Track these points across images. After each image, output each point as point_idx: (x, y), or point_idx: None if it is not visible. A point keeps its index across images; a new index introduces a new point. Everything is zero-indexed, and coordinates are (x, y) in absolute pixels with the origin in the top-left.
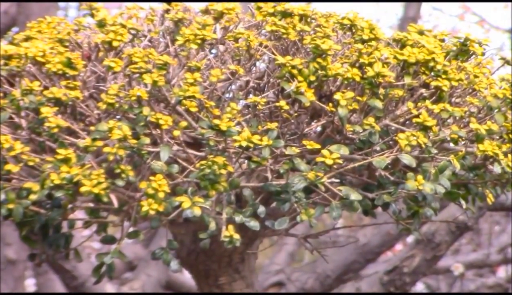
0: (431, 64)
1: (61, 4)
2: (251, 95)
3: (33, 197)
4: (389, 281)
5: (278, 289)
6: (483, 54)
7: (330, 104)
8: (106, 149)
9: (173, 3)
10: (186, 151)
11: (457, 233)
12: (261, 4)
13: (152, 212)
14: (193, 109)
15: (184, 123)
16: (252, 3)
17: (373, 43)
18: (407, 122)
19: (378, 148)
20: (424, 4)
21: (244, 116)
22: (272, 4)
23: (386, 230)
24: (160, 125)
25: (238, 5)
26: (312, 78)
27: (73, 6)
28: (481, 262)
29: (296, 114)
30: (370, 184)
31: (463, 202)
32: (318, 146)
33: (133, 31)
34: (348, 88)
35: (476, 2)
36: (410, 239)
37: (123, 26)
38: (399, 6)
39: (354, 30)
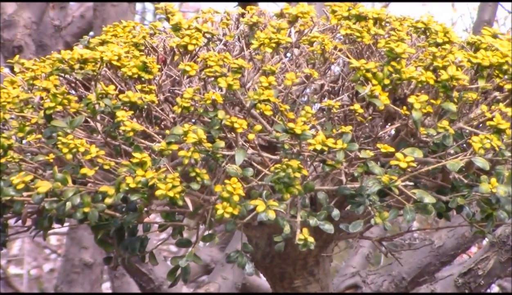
0: (505, 67)
1: (138, 8)
2: (325, 99)
3: (108, 200)
4: (464, 283)
5: (354, 291)
6: None
7: (404, 107)
8: (181, 153)
9: (248, 7)
10: (260, 154)
11: None
12: (335, 7)
13: (227, 215)
14: (268, 113)
15: (258, 127)
16: (327, 7)
17: (447, 46)
18: (481, 125)
19: (452, 151)
20: (499, 7)
21: (318, 119)
22: (346, 8)
23: (461, 233)
24: (235, 128)
25: (313, 9)
26: (386, 81)
27: (150, 10)
28: None
29: (370, 117)
30: (444, 187)
31: None
32: (392, 149)
33: (208, 35)
34: (422, 91)
35: None
36: (485, 241)
37: (198, 30)
38: (474, 9)
39: (428, 34)
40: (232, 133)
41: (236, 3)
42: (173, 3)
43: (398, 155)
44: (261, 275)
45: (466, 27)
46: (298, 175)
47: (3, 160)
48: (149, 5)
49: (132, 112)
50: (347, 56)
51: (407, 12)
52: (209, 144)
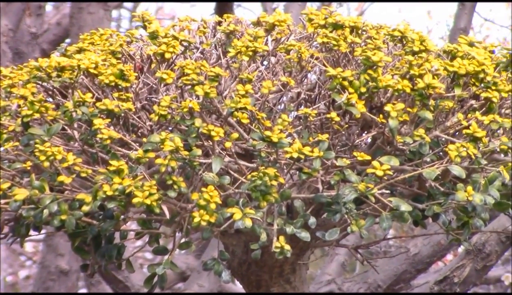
0: (481, 75)
1: (114, 15)
2: (302, 107)
3: (85, 208)
4: (440, 291)
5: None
6: None
7: (381, 115)
8: (158, 160)
9: (225, 15)
10: (237, 162)
11: (507, 243)
12: (312, 16)
13: (203, 223)
14: (245, 121)
15: (235, 135)
16: (304, 15)
17: (424, 54)
18: (457, 133)
19: (428, 159)
20: (475, 15)
21: (295, 127)
22: (323, 16)
23: (437, 240)
24: (212, 136)
25: (290, 17)
26: (363, 89)
27: (126, 17)
28: None
29: (347, 125)
30: (420, 195)
31: None
32: (368, 157)
33: (185, 43)
34: (399, 99)
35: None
36: (460, 249)
37: (175, 38)
38: (450, 17)
39: (404, 42)
40: (209, 141)
41: (212, 11)
42: (149, 12)
43: (375, 163)
44: (237, 282)
45: (442, 35)
46: (274, 182)
47: None
48: (125, 12)
49: (109, 120)
50: (324, 65)
51: (384, 20)
52: (186, 152)
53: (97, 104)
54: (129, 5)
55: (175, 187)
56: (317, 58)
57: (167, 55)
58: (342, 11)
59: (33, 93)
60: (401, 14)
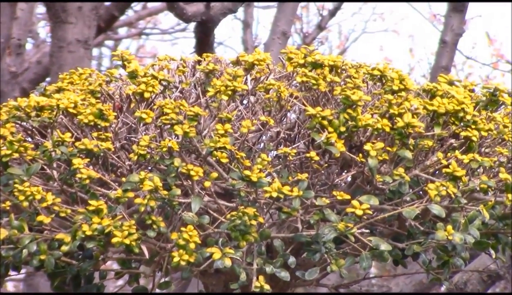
0: (461, 114)
1: (95, 53)
2: (281, 146)
3: (64, 248)
4: None
5: None
6: None
7: (360, 155)
8: (137, 200)
9: (204, 54)
10: (217, 202)
11: (489, 282)
12: (291, 55)
13: (183, 263)
14: (224, 160)
15: (215, 174)
16: (283, 55)
17: (403, 93)
18: (437, 172)
19: (408, 198)
20: (457, 53)
21: (274, 167)
22: (302, 55)
23: (419, 279)
24: (191, 176)
25: (269, 56)
26: (342, 129)
27: (106, 55)
28: None
29: (326, 165)
30: (400, 234)
31: (493, 252)
32: (348, 197)
33: (164, 82)
34: (378, 139)
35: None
36: (442, 288)
37: (155, 77)
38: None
39: (384, 81)
40: (189, 180)
41: (192, 51)
42: (129, 50)
43: (354, 202)
44: None
45: (424, 73)
46: (254, 222)
47: None
48: (106, 51)
49: (88, 159)
50: (303, 104)
51: (366, 59)
52: (165, 192)
53: (76, 144)
54: (110, 43)
55: (155, 226)
56: (296, 97)
57: (146, 95)
58: (324, 49)
59: (12, 133)
60: (383, 52)
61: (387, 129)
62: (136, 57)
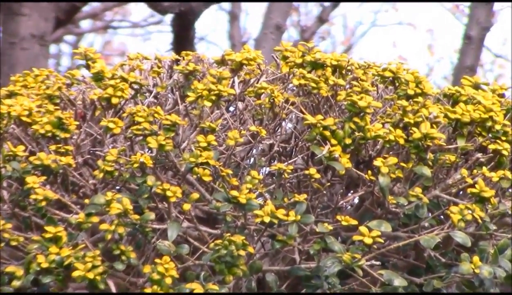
0: (489, 124)
1: (53, 50)
2: (275, 162)
3: (16, 283)
4: None
5: None
6: None
7: (369, 172)
8: (103, 226)
9: (184, 53)
10: (198, 228)
11: None
12: (287, 53)
13: None
14: (207, 179)
15: (196, 195)
16: (277, 53)
17: (420, 99)
18: (461, 193)
19: (426, 224)
20: (484, 50)
21: (267, 186)
22: (300, 53)
23: None
24: (167, 197)
25: (261, 55)
26: (348, 141)
27: (66, 53)
28: None
29: (328, 184)
30: (417, 267)
31: None
32: (355, 222)
33: (136, 86)
34: (391, 152)
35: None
36: None
37: (124, 79)
38: (455, 52)
39: (397, 84)
40: (164, 203)
41: (168, 48)
42: (94, 48)
43: (362, 228)
44: None
45: (445, 74)
46: (242, 252)
47: None
48: (65, 47)
49: (45, 177)
50: (301, 111)
51: (374, 57)
52: (137, 216)
53: (31, 158)
54: (71, 38)
55: (124, 257)
56: (293, 104)
57: (114, 100)
58: (326, 46)
59: None
60: (396, 49)
61: (401, 141)
62: (102, 55)
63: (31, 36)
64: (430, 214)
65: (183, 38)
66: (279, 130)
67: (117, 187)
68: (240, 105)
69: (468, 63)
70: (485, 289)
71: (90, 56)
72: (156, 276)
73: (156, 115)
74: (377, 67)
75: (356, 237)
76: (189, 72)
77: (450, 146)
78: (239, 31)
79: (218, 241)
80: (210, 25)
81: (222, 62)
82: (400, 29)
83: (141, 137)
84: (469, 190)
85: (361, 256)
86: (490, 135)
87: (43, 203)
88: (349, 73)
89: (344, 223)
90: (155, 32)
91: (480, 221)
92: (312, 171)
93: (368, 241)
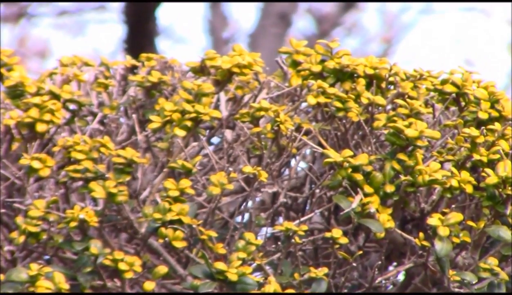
0: None
1: None
2: (281, 220)
3: None
4: None
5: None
6: None
7: (421, 234)
8: None
9: (144, 55)
10: None
11: None
12: (299, 57)
13: None
14: (179, 245)
15: (163, 269)
16: (283, 55)
17: (497, 125)
18: None
19: None
20: None
21: (269, 256)
22: (318, 57)
23: None
24: (120, 272)
25: (259, 59)
26: (390, 188)
27: None
28: None
29: (360, 252)
30: None
31: None
32: None
33: (72, 106)
34: (453, 206)
35: None
36: None
37: (55, 96)
38: None
39: (463, 103)
40: (116, 280)
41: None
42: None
43: None
44: None
45: None
46: None
47: None
48: None
49: None
50: (319, 144)
51: (427, 62)
52: None
53: None
54: None
55: None
56: (307, 133)
57: (41, 128)
58: (354, 45)
59: None
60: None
61: (469, 189)
62: (19, 62)
63: None
64: None
65: (140, 34)
66: (287, 172)
67: (46, 257)
68: (229, 134)
69: None
70: None
71: (2, 61)
72: None
73: (102, 149)
74: (433, 78)
75: None
76: (152, 85)
77: None
78: (224, 21)
79: None
80: (181, 14)
81: (201, 70)
82: (466, 17)
83: (80, 183)
84: None
85: None
86: None
87: None
88: (392, 86)
89: None
90: (94, 23)
91: None
92: (336, 233)
93: None
